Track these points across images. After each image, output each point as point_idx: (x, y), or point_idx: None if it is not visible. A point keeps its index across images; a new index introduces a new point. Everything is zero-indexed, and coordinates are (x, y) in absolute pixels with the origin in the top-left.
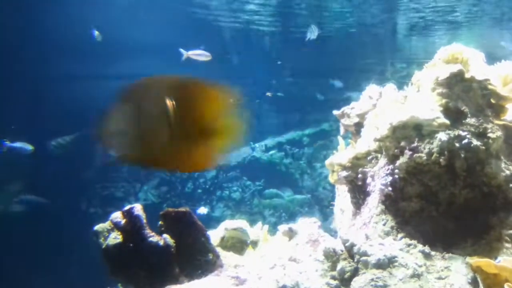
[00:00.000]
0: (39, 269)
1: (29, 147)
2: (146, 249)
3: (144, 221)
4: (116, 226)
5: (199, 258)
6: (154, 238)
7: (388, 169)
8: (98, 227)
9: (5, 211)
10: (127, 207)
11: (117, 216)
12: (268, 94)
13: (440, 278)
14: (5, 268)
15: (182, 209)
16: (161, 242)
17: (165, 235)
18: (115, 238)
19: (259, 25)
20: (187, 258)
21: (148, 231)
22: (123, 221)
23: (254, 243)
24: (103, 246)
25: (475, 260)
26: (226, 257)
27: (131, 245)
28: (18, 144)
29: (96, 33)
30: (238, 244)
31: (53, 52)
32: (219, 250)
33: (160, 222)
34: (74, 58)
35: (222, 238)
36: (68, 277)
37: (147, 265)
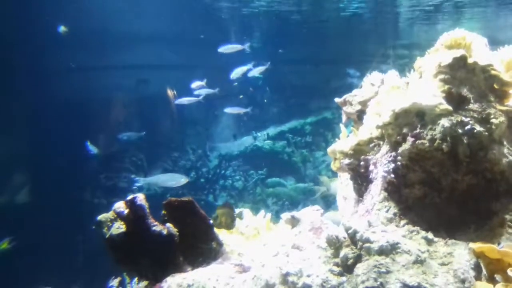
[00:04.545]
0: (44, 259)
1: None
2: (149, 238)
3: (147, 210)
4: (119, 216)
5: (202, 247)
6: (157, 227)
7: (391, 156)
8: (101, 217)
9: (10, 202)
10: (130, 197)
11: (120, 206)
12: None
13: (443, 264)
14: (10, 258)
15: (185, 198)
16: (165, 231)
17: (168, 224)
18: (118, 228)
19: (259, 12)
20: (190, 246)
21: (151, 221)
22: (126, 211)
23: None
24: (107, 236)
25: (478, 246)
26: (229, 245)
27: (134, 234)
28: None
29: (62, 27)
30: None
31: (53, 44)
32: (216, 232)
33: (163, 212)
34: (75, 49)
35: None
36: (73, 266)
37: (151, 254)
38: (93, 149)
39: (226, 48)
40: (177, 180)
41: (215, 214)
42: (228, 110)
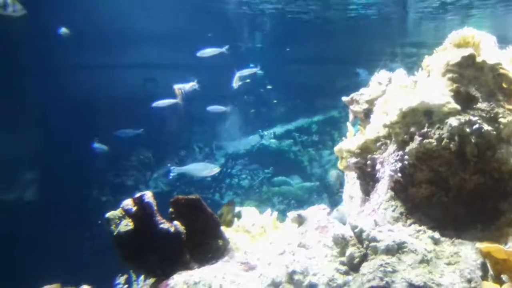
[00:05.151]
0: (52, 255)
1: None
2: (157, 235)
3: (155, 208)
4: (127, 213)
5: (209, 245)
6: (164, 225)
7: (398, 155)
8: (109, 214)
9: (18, 199)
10: (138, 195)
11: (128, 203)
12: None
13: (449, 263)
14: (18, 254)
15: (191, 196)
16: (172, 229)
17: (175, 222)
18: (126, 225)
19: (267, 11)
20: (197, 244)
21: (159, 218)
22: (134, 208)
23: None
24: (114, 233)
25: (484, 246)
26: (236, 243)
27: (142, 232)
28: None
29: (63, 29)
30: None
31: (61, 43)
32: (223, 230)
33: (170, 209)
34: (83, 47)
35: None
36: (81, 263)
37: (158, 251)
38: (101, 147)
39: (205, 52)
40: (210, 169)
41: (220, 211)
42: (210, 108)
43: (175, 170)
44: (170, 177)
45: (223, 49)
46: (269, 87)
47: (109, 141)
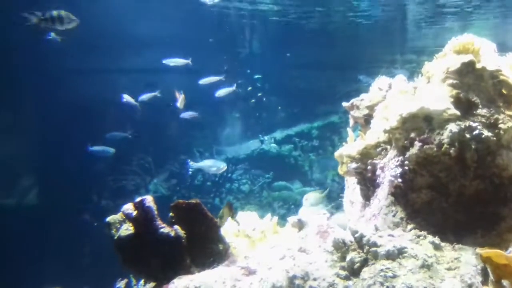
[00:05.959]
0: (52, 260)
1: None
2: (157, 240)
3: (155, 212)
4: (128, 217)
5: (209, 249)
6: (165, 229)
7: (398, 160)
8: (110, 218)
9: (18, 204)
10: (138, 199)
11: (128, 207)
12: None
13: (450, 269)
14: (18, 258)
15: (192, 200)
16: (172, 233)
17: (176, 226)
18: (126, 229)
19: (268, 17)
20: (197, 249)
21: (159, 222)
22: (135, 213)
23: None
24: (115, 237)
25: (485, 251)
26: (236, 247)
27: (142, 236)
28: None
29: (52, 34)
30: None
31: (62, 46)
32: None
33: (170, 214)
34: (83, 52)
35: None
36: (80, 268)
37: (159, 256)
38: (107, 149)
39: (171, 61)
40: (218, 166)
41: (220, 213)
42: (183, 115)
43: (193, 166)
44: (190, 172)
45: (188, 61)
46: (259, 94)
47: (106, 145)
